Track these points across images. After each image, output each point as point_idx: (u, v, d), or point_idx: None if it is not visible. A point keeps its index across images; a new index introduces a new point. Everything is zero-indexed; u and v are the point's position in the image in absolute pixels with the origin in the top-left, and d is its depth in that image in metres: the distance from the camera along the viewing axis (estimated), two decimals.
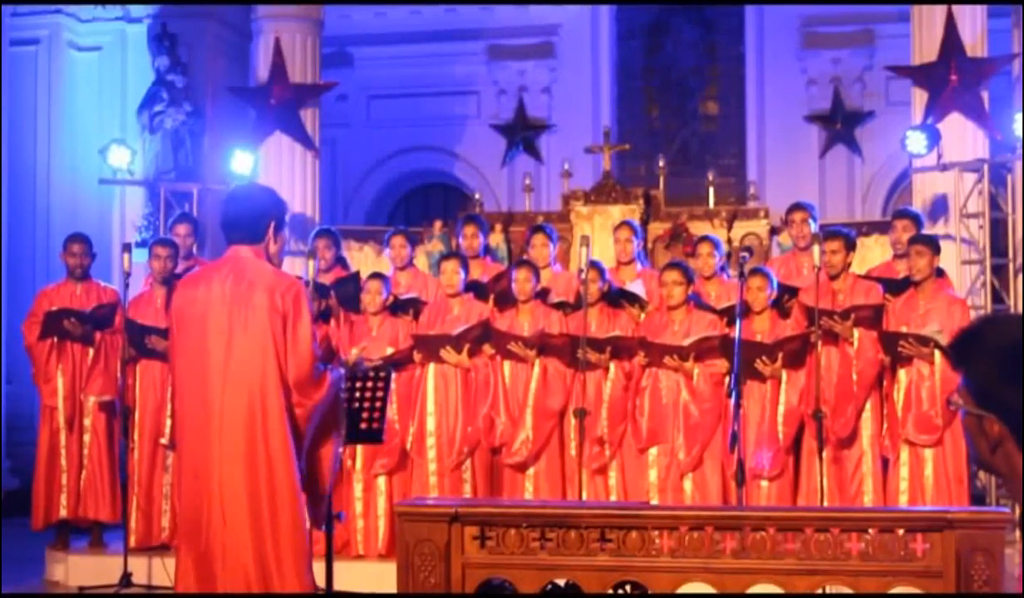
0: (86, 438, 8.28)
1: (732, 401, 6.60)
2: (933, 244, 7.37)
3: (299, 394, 4.31)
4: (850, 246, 7.40)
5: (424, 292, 8.31)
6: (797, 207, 8.19)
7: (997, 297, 9.00)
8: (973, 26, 9.31)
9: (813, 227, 8.02)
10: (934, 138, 8.84)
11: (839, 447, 7.32)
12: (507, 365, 7.74)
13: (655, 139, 14.14)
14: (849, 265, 7.44)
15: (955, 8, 9.16)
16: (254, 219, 4.40)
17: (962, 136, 9.17)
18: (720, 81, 14.47)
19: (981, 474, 8.38)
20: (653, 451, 7.53)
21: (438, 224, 10.13)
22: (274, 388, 4.25)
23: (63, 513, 8.23)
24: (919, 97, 9.45)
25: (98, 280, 8.61)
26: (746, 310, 7.21)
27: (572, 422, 7.39)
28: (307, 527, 4.35)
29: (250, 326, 4.25)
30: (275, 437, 4.23)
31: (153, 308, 8.13)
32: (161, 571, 7.52)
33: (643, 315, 7.87)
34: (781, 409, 7.33)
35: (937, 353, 7.10)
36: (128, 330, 7.80)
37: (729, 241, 9.53)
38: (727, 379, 7.12)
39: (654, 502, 7.28)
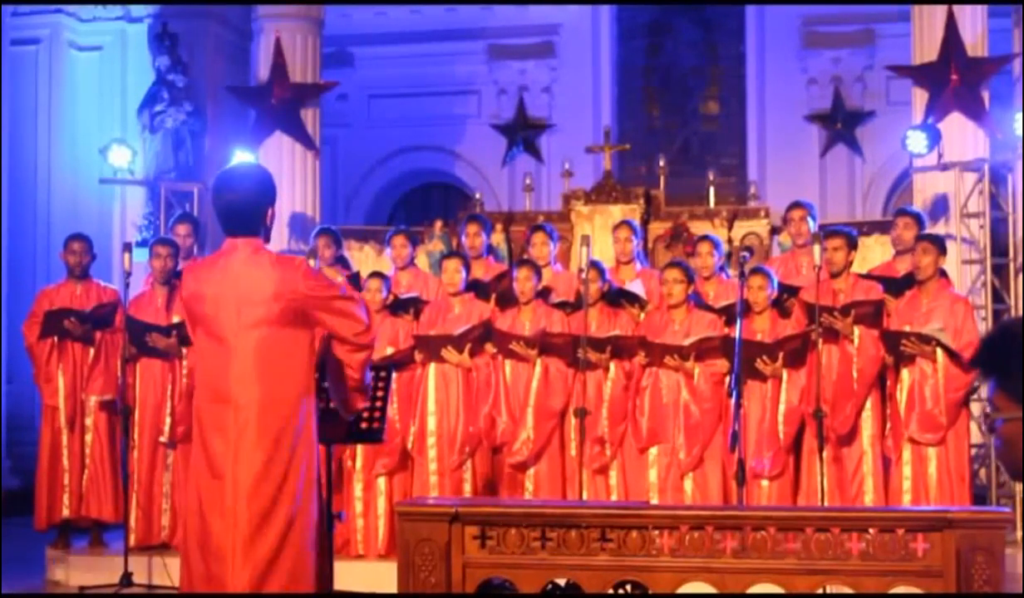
0: (88, 438, 8.29)
1: (733, 401, 6.61)
2: (940, 243, 7.39)
3: (357, 342, 4.32)
4: (852, 245, 7.41)
5: (425, 292, 8.32)
6: (796, 205, 8.21)
7: (997, 297, 9.00)
8: (974, 26, 9.32)
9: (812, 225, 8.04)
10: (935, 138, 8.85)
11: (839, 446, 7.33)
12: (508, 365, 7.74)
13: (656, 139, 14.14)
14: (851, 264, 7.44)
15: (955, 8, 9.16)
16: (250, 213, 4.33)
17: (962, 136, 9.17)
18: (721, 81, 14.47)
19: (982, 473, 8.38)
20: (653, 451, 7.53)
21: (439, 224, 10.13)
22: (288, 384, 4.23)
23: (66, 513, 8.24)
24: (920, 97, 9.46)
25: (98, 280, 8.62)
26: (746, 309, 7.22)
27: (573, 422, 7.39)
28: (317, 523, 4.33)
29: (260, 324, 4.22)
30: (289, 435, 4.21)
31: (154, 307, 8.14)
32: (161, 570, 7.53)
33: (643, 315, 7.87)
34: (782, 408, 7.34)
35: (939, 351, 7.11)
36: (129, 328, 7.81)
37: (730, 241, 9.53)
38: (727, 379, 7.13)
39: (654, 502, 7.28)
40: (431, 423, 7.76)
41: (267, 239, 4.40)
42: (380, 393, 5.23)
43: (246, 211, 4.32)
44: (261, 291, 4.23)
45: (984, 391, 8.52)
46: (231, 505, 4.17)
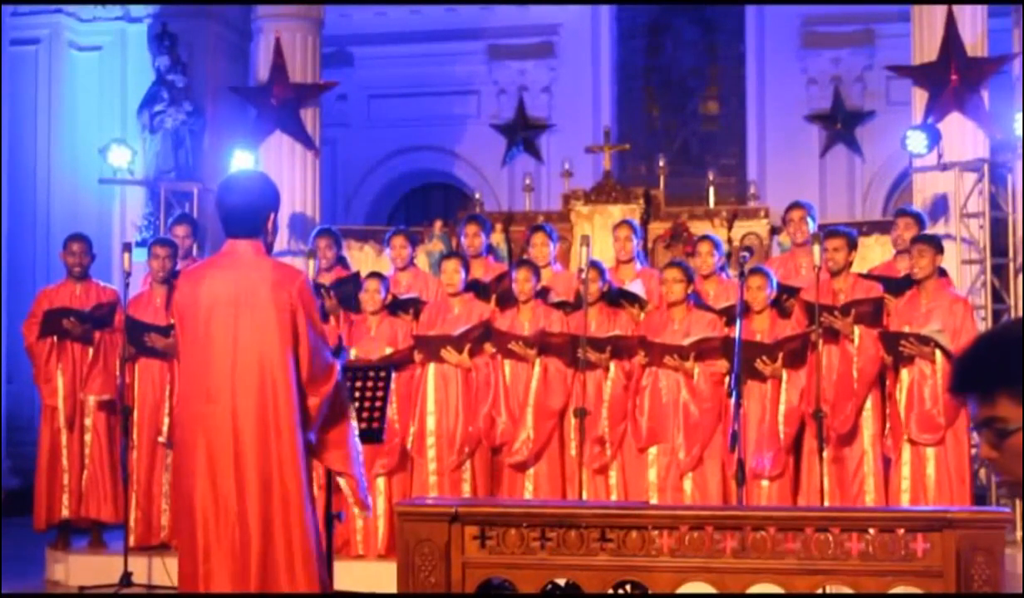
0: (87, 438, 8.29)
1: (732, 401, 6.61)
2: (936, 243, 7.39)
3: (310, 386, 4.30)
4: (852, 245, 7.42)
5: (425, 292, 8.31)
6: (795, 205, 8.22)
7: (997, 297, 9.00)
8: (973, 26, 9.31)
9: (812, 225, 8.04)
10: (934, 138, 8.85)
11: (840, 446, 7.33)
12: (508, 364, 7.74)
13: (655, 139, 14.13)
14: (850, 265, 7.45)
15: (955, 8, 9.16)
16: (252, 215, 4.34)
17: (962, 136, 9.17)
18: (720, 81, 14.46)
19: (982, 473, 8.38)
20: (653, 450, 7.53)
21: (438, 224, 10.13)
22: (284, 385, 4.22)
23: (65, 513, 8.24)
24: (919, 97, 9.45)
25: (97, 280, 8.61)
26: (746, 309, 7.22)
27: (572, 422, 7.39)
28: (315, 526, 4.33)
29: (257, 325, 4.22)
30: (286, 435, 4.21)
31: (152, 307, 8.14)
32: (161, 570, 7.53)
33: (643, 315, 7.87)
34: (782, 409, 7.34)
35: (938, 352, 7.11)
36: (128, 328, 7.80)
37: (729, 241, 9.53)
38: (727, 379, 7.13)
39: (654, 502, 7.28)
40: (430, 423, 7.76)
41: (268, 247, 4.41)
42: (380, 393, 5.23)
43: (248, 212, 4.33)
44: (259, 294, 4.23)
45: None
46: (231, 507, 4.16)
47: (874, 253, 8.99)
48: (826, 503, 6.99)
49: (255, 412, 4.19)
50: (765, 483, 7.34)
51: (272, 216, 4.39)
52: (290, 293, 4.25)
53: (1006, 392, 2.09)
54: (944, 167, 9.01)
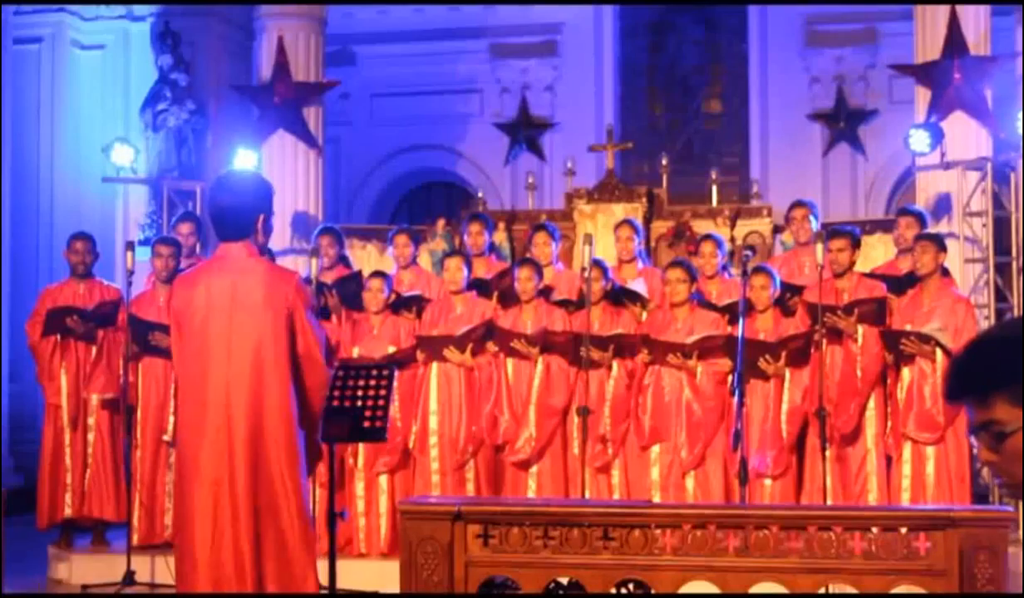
0: (90, 436, 8.29)
1: (735, 399, 6.61)
2: (939, 241, 7.39)
3: (310, 369, 4.35)
4: (855, 244, 7.42)
5: (428, 290, 8.32)
6: (798, 204, 8.24)
7: (1000, 296, 9.00)
8: (976, 24, 9.31)
9: (814, 224, 8.05)
10: (937, 136, 8.84)
11: (843, 445, 7.33)
12: (510, 363, 7.74)
13: (658, 137, 14.13)
14: (854, 264, 7.45)
15: (958, 6, 9.16)
16: (242, 216, 4.33)
17: (965, 134, 9.16)
18: (723, 79, 14.46)
19: (984, 472, 8.37)
20: (655, 449, 7.52)
21: (441, 222, 10.13)
22: (279, 387, 4.23)
23: (68, 512, 8.24)
24: (922, 95, 9.45)
25: (100, 278, 8.62)
26: (749, 308, 7.21)
27: (575, 420, 7.39)
28: (313, 526, 4.34)
29: (252, 328, 4.22)
30: (283, 436, 4.22)
31: (156, 306, 8.14)
32: (164, 569, 7.52)
33: (645, 314, 7.87)
34: (784, 407, 7.34)
35: (939, 351, 7.10)
36: (132, 326, 7.81)
37: (732, 240, 9.53)
38: (730, 377, 7.13)
39: (656, 500, 7.27)
40: (433, 422, 7.76)
41: (260, 247, 4.39)
42: (382, 392, 5.23)
43: (236, 214, 4.32)
44: (254, 296, 4.24)
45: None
46: (229, 509, 4.16)
47: (877, 252, 8.99)
48: (829, 502, 6.99)
49: (250, 415, 4.19)
50: (768, 482, 7.34)
51: (262, 217, 4.37)
52: (286, 294, 4.26)
53: (1001, 394, 2.07)
54: (947, 166, 9.00)
